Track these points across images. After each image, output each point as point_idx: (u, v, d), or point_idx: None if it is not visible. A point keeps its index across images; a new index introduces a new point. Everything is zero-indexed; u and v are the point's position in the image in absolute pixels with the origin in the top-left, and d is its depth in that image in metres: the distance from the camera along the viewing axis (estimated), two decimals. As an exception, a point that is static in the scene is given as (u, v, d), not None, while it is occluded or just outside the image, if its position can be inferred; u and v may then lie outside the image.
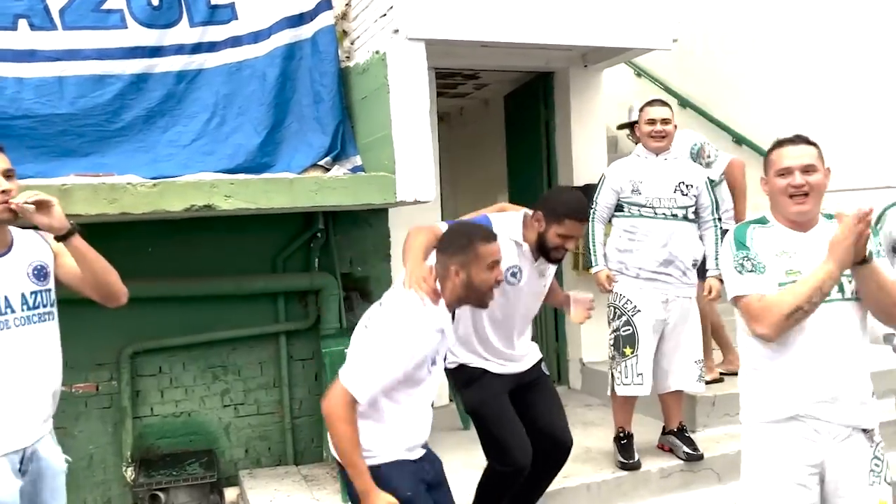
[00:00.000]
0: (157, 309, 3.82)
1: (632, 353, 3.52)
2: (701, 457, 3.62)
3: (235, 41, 4.00)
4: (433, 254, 2.47)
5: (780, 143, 2.24)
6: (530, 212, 2.86)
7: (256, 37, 4.04)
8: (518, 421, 2.89)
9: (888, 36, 5.32)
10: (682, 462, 3.64)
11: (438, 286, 2.35)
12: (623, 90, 7.15)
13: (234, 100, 3.94)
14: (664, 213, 3.58)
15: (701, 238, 3.69)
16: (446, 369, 2.77)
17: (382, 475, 2.28)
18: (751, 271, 2.19)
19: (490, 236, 2.41)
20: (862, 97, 5.30)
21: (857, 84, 5.30)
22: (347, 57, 4.22)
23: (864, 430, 2.18)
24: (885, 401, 4.33)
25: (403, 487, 2.32)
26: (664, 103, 3.75)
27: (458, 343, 2.90)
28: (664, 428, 3.74)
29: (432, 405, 2.48)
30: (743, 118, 6.02)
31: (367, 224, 4.26)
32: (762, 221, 2.29)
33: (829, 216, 2.23)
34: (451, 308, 2.39)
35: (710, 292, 3.64)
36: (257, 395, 4.06)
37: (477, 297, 2.38)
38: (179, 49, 3.84)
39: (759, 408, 2.29)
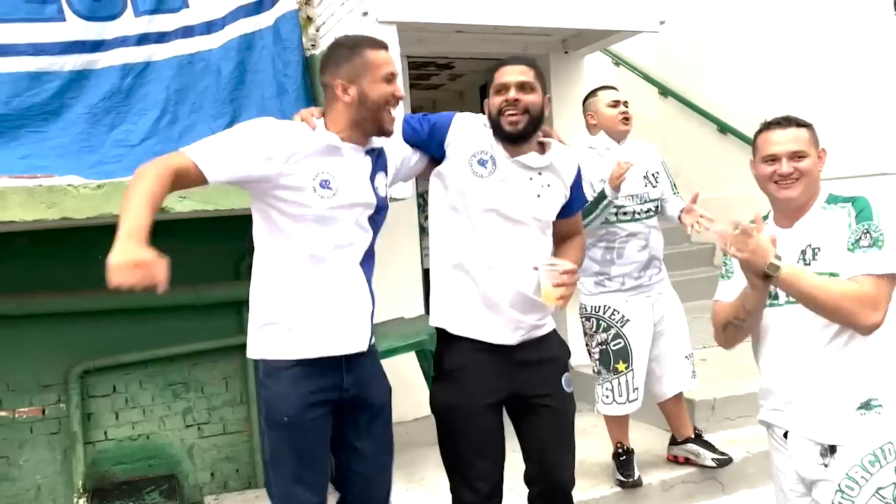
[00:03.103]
0: (108, 323, 3.49)
1: (626, 367, 3.18)
2: (730, 460, 3.34)
3: (187, 31, 3.68)
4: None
5: (767, 127, 2.08)
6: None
7: (209, 27, 3.73)
8: (493, 452, 2.24)
9: (879, 18, 5.15)
10: (683, 473, 3.38)
11: (319, 118, 2.01)
12: (602, 80, 6.92)
13: (186, 95, 3.62)
14: (639, 212, 3.21)
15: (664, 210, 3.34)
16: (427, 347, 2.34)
17: (263, 380, 2.00)
18: (723, 276, 2.19)
19: (378, 42, 2.03)
20: (853, 81, 5.12)
21: (849, 68, 5.12)
22: (313, 45, 3.91)
23: (832, 447, 1.95)
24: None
25: (280, 407, 1.93)
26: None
27: (436, 269, 2.30)
28: (675, 438, 3.45)
29: (370, 294, 2.05)
30: (728, 106, 5.81)
31: (338, 225, 3.95)
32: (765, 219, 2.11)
33: (836, 199, 2.02)
34: (347, 136, 2.00)
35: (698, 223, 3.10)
36: (223, 413, 3.74)
37: (374, 116, 1.98)
38: (123, 41, 3.51)
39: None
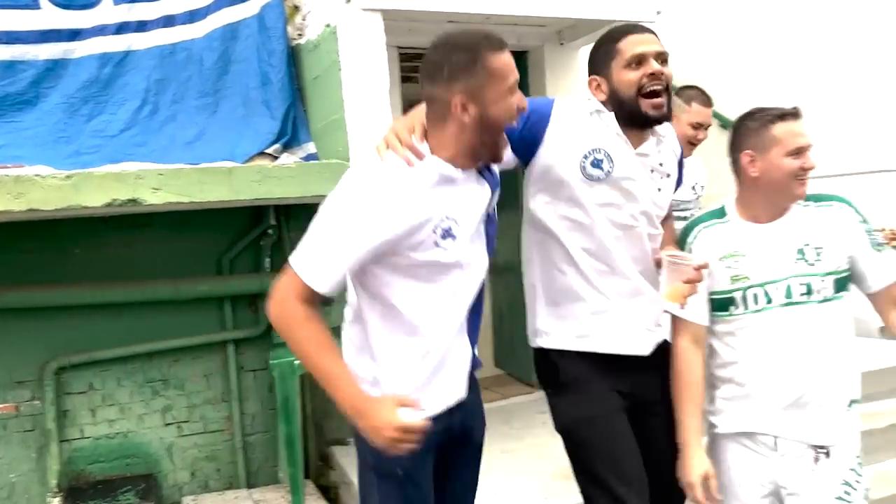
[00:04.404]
0: (85, 318, 3.41)
1: None
2: None
3: (168, 20, 3.60)
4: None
5: (783, 117, 1.90)
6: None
7: (192, 16, 3.65)
8: (639, 457, 1.92)
9: (886, 11, 5.01)
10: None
11: (422, 143, 1.61)
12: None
13: (168, 86, 3.54)
14: (680, 217, 2.94)
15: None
16: (535, 355, 2.01)
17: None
18: None
19: (497, 40, 1.60)
20: (856, 76, 4.98)
21: (852, 63, 4.98)
22: (299, 34, 3.82)
23: (826, 451, 1.90)
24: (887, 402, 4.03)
25: (394, 458, 1.61)
26: None
27: (536, 302, 1.99)
28: None
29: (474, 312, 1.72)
30: (728, 101, 5.67)
31: (325, 219, 3.85)
32: (718, 215, 2.00)
33: (812, 198, 1.95)
34: (457, 162, 1.62)
35: None
36: (203, 411, 3.64)
37: (492, 140, 1.62)
38: (101, 30, 3.43)
39: (714, 418, 2.03)
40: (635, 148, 1.88)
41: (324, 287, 1.55)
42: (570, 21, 4.19)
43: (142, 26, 3.53)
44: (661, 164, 1.93)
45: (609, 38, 1.87)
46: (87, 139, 3.37)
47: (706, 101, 3.26)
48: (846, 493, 1.89)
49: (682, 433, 1.94)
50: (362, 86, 3.26)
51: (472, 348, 1.76)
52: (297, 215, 3.77)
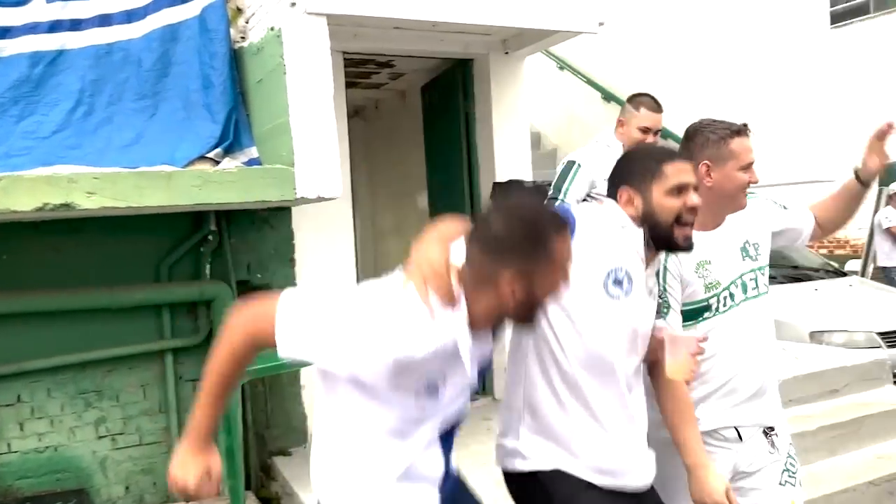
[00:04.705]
0: (13, 327, 3.27)
1: None
2: None
3: (104, 20, 3.49)
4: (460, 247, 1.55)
5: (739, 132, 2.00)
6: (604, 200, 1.92)
7: (130, 16, 3.55)
8: None
9: (815, 30, 5.22)
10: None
11: (459, 289, 1.51)
12: (545, 84, 6.90)
13: (103, 87, 3.43)
14: None
15: None
16: (508, 480, 1.95)
17: None
18: (668, 310, 1.98)
19: (566, 227, 1.55)
20: (789, 90, 5.17)
21: (784, 76, 5.17)
22: (242, 37, 3.75)
23: (776, 430, 2.10)
24: (820, 403, 4.18)
25: None
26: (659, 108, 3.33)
27: (521, 425, 1.89)
28: None
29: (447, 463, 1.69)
30: (672, 113, 5.82)
31: (268, 225, 3.79)
32: None
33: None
34: (479, 326, 1.54)
35: None
36: (139, 423, 3.54)
37: (527, 315, 1.56)
38: (33, 28, 3.31)
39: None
40: (646, 268, 1.85)
41: (284, 352, 1.50)
42: (515, 30, 4.23)
43: (76, 25, 3.42)
44: (653, 286, 1.92)
45: (650, 156, 1.86)
46: (16, 141, 3.23)
47: (656, 106, 3.34)
48: (791, 464, 2.08)
49: (690, 454, 1.88)
50: (307, 90, 3.22)
51: (447, 460, 1.69)
52: (239, 221, 3.70)
